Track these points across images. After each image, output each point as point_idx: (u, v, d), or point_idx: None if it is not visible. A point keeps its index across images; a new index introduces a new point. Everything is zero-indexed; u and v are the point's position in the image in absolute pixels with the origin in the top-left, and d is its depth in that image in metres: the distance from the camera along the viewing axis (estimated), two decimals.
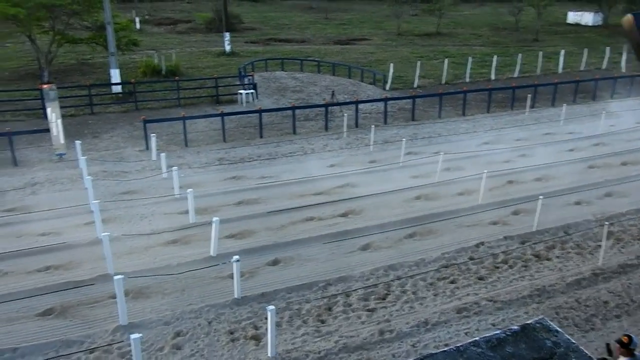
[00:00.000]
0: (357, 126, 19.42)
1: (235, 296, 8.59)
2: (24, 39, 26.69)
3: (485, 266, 9.70)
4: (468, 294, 8.85)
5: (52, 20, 24.89)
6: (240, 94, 22.53)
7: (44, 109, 16.84)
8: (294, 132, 18.77)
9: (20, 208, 12.22)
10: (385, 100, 20.87)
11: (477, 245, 10.42)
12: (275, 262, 9.82)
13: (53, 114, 15.62)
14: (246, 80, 23.85)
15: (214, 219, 9.77)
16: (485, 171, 12.44)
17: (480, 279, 9.32)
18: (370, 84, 26.11)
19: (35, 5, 23.33)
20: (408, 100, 21.57)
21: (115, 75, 23.50)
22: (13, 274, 9.30)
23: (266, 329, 7.39)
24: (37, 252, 10.00)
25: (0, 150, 15.60)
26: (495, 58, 28.49)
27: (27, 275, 9.26)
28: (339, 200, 12.41)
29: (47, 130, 15.75)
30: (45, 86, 16.41)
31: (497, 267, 9.70)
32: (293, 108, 19.29)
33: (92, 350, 7.33)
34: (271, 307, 7.22)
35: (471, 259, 9.96)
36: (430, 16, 48.41)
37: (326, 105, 19.80)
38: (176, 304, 8.48)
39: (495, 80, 27.03)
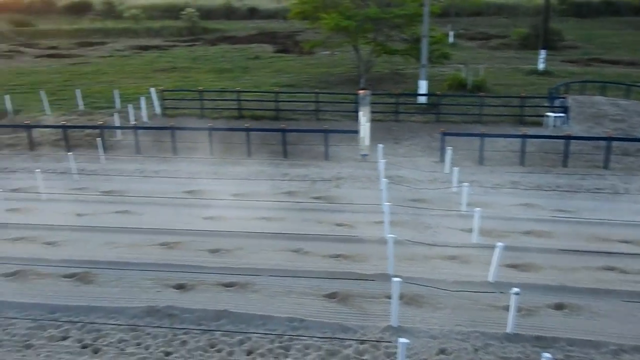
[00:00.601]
0: None
1: (508, 330, 8.04)
2: (349, 48, 30.36)
3: None
4: None
5: (375, 33, 27.70)
6: (548, 116, 20.98)
7: (356, 112, 18.77)
8: (606, 167, 16.50)
9: (325, 197, 13.96)
10: None
11: None
12: (559, 307, 8.80)
13: (363, 118, 17.32)
14: (557, 103, 22.09)
15: (499, 244, 9.32)
16: None
17: None
18: None
19: (364, 19, 26.35)
20: None
21: (423, 87, 24.70)
22: (311, 254, 10.63)
23: None
24: (333, 239, 11.21)
25: (317, 145, 18.10)
26: None
27: (322, 258, 10.45)
28: None
29: (356, 131, 17.54)
30: (361, 92, 18.27)
31: None
32: (609, 139, 16.99)
33: (362, 342, 7.84)
34: (547, 354, 6.47)
35: None
36: None
37: None
38: (445, 320, 8.41)
39: None
